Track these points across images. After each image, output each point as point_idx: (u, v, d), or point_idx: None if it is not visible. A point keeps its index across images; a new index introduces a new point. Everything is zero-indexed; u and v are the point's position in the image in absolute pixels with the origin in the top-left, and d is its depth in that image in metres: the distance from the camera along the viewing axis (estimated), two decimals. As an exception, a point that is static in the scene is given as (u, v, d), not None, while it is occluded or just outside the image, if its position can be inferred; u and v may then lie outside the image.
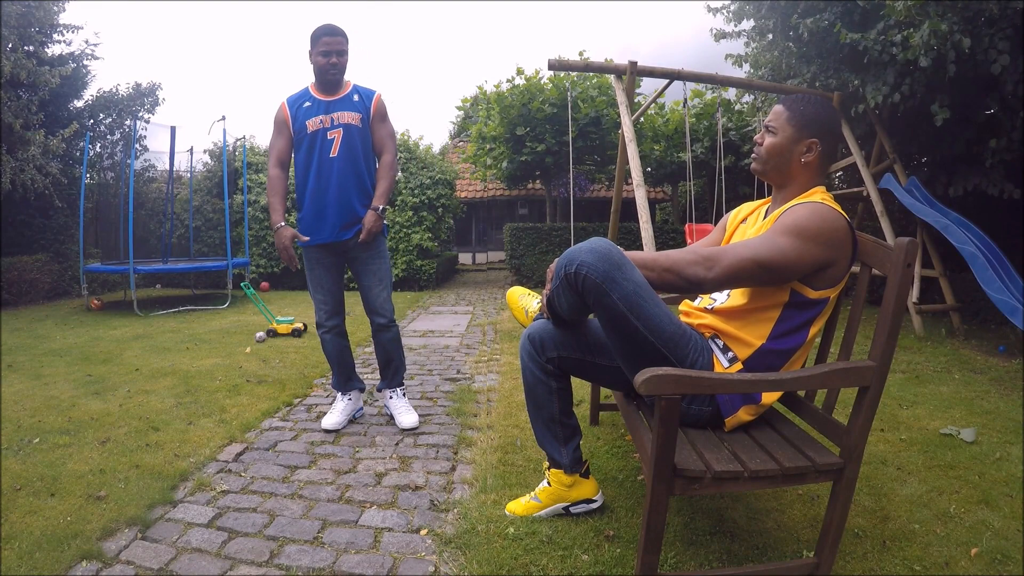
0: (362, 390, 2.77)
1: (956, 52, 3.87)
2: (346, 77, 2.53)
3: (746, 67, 6.43)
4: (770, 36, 5.77)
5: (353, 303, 3.41)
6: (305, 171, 2.49)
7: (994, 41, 3.81)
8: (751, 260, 1.39)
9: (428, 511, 1.86)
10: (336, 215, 2.47)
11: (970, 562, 1.55)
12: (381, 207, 2.50)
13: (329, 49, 2.41)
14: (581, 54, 8.26)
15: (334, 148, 2.45)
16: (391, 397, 2.73)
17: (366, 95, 2.55)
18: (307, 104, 2.48)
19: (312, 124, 2.46)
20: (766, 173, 1.60)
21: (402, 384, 2.76)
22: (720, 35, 6.25)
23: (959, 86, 4.19)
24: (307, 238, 2.48)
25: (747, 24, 6.12)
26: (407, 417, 2.62)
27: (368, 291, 2.60)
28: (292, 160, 2.57)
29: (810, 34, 4.93)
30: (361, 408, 2.79)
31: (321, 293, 2.59)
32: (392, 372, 2.73)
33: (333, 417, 2.61)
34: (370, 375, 3.49)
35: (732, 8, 6.04)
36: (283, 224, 2.44)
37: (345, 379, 2.69)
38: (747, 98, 8.11)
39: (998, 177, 4.70)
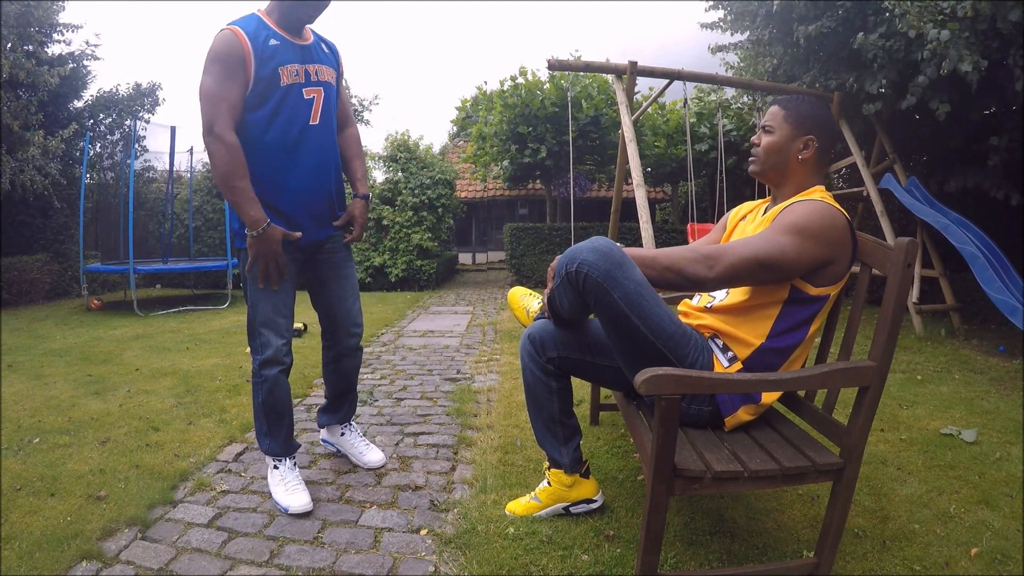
0: (299, 447, 2.04)
1: (977, 70, 3.87)
2: None
3: (745, 75, 6.47)
4: (766, 45, 5.78)
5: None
6: (273, 140, 1.77)
7: (1016, 59, 3.79)
8: (752, 259, 1.39)
9: (428, 511, 1.86)
10: (317, 206, 1.89)
11: (970, 562, 1.55)
12: (369, 194, 2.02)
13: None
14: (597, 58, 8.25)
15: (314, 114, 1.80)
16: (343, 434, 2.20)
17: (331, 46, 1.96)
18: (274, 42, 1.74)
19: (287, 74, 1.75)
20: (765, 173, 1.61)
21: (352, 418, 2.25)
22: (717, 48, 6.26)
23: (959, 87, 4.19)
24: (299, 235, 1.84)
25: (741, 37, 6.14)
26: (373, 454, 2.15)
27: (341, 303, 2.03)
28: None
29: (807, 40, 4.93)
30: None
31: (283, 317, 1.86)
32: (349, 404, 2.20)
33: (301, 496, 1.85)
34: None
35: (729, 19, 6.05)
36: (271, 221, 1.75)
37: (291, 432, 1.97)
38: (745, 98, 8.14)
39: (999, 178, 4.70)
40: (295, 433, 2.21)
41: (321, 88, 1.84)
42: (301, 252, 1.92)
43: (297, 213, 1.85)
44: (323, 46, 1.93)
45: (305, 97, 1.80)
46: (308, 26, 1.88)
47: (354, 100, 13.00)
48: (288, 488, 1.88)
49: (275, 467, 1.94)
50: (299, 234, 1.85)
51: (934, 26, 3.91)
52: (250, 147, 1.75)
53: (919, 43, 4.11)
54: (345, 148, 2.02)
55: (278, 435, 1.92)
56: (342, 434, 2.23)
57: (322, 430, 2.29)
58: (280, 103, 1.76)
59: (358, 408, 2.61)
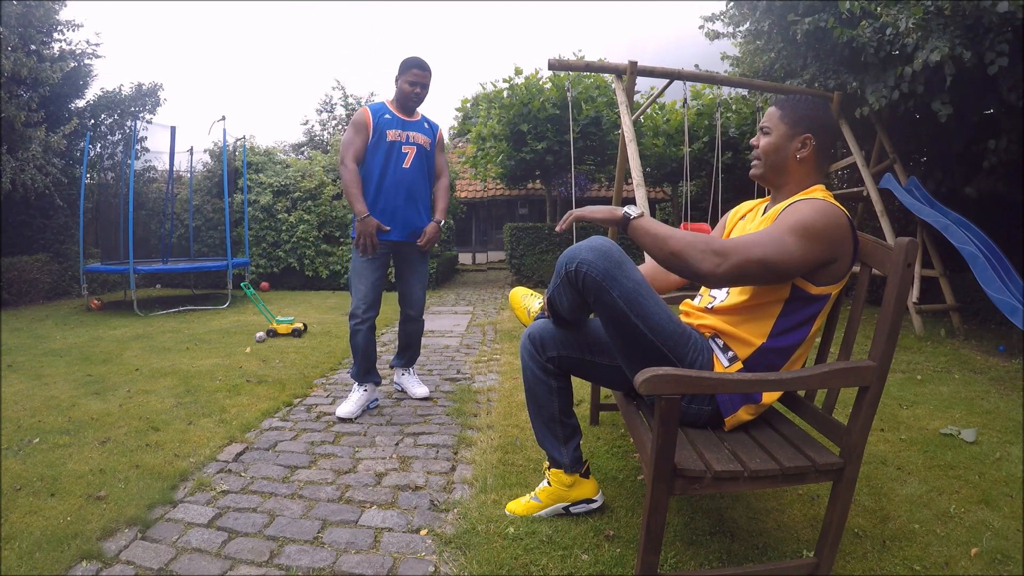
0: (377, 383, 2.95)
1: (956, 63, 3.90)
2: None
3: (743, 67, 6.48)
4: (765, 38, 5.79)
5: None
6: (380, 174, 2.80)
7: (994, 44, 3.82)
8: (759, 262, 1.37)
9: (428, 511, 1.86)
10: (404, 219, 2.84)
11: (970, 562, 1.55)
12: (443, 221, 2.95)
13: (416, 80, 2.78)
14: (600, 57, 8.22)
15: (407, 160, 2.83)
16: (403, 374, 3.16)
17: (433, 126, 2.97)
18: (387, 116, 2.83)
19: (392, 134, 2.80)
20: (765, 175, 1.61)
21: (414, 364, 3.19)
22: (714, 35, 6.31)
23: (957, 86, 4.19)
24: (388, 228, 2.80)
25: (741, 28, 6.16)
26: (419, 388, 3.07)
27: (411, 288, 2.98)
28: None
29: (805, 35, 4.93)
30: (376, 399, 2.99)
31: (365, 285, 2.82)
32: (410, 356, 3.14)
33: (348, 406, 2.79)
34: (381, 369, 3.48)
35: (731, 11, 6.07)
36: (369, 214, 2.74)
37: (365, 371, 2.89)
38: (741, 92, 8.16)
39: (1001, 181, 4.70)
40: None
41: (414, 147, 2.86)
42: (389, 247, 2.88)
43: (392, 218, 2.83)
44: (426, 123, 2.94)
45: (403, 151, 2.83)
46: (420, 111, 2.95)
47: (350, 99, 15.28)
48: (346, 400, 2.84)
49: (353, 387, 2.88)
50: (388, 228, 2.82)
51: (905, 16, 3.95)
52: (371, 174, 2.82)
53: (904, 37, 4.12)
54: (435, 191, 3.02)
55: (358, 367, 2.88)
56: (402, 374, 3.16)
57: (394, 375, 3.23)
58: (388, 152, 2.81)
59: (376, 397, 3.04)
